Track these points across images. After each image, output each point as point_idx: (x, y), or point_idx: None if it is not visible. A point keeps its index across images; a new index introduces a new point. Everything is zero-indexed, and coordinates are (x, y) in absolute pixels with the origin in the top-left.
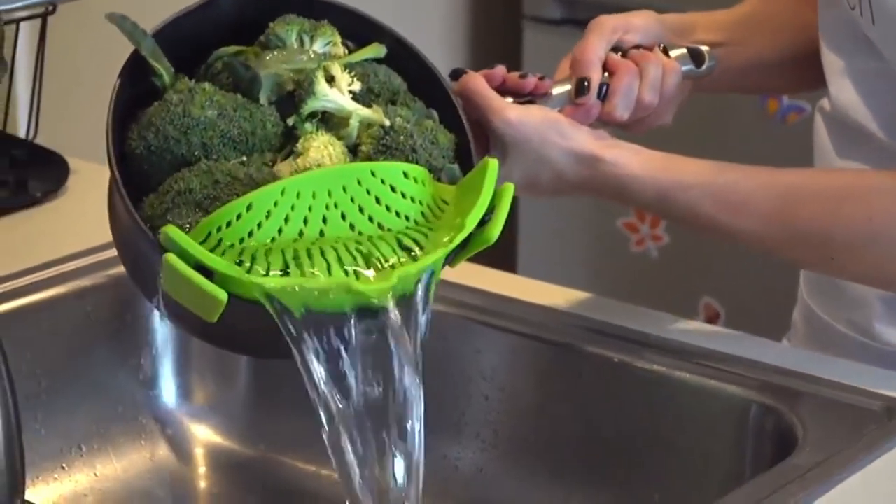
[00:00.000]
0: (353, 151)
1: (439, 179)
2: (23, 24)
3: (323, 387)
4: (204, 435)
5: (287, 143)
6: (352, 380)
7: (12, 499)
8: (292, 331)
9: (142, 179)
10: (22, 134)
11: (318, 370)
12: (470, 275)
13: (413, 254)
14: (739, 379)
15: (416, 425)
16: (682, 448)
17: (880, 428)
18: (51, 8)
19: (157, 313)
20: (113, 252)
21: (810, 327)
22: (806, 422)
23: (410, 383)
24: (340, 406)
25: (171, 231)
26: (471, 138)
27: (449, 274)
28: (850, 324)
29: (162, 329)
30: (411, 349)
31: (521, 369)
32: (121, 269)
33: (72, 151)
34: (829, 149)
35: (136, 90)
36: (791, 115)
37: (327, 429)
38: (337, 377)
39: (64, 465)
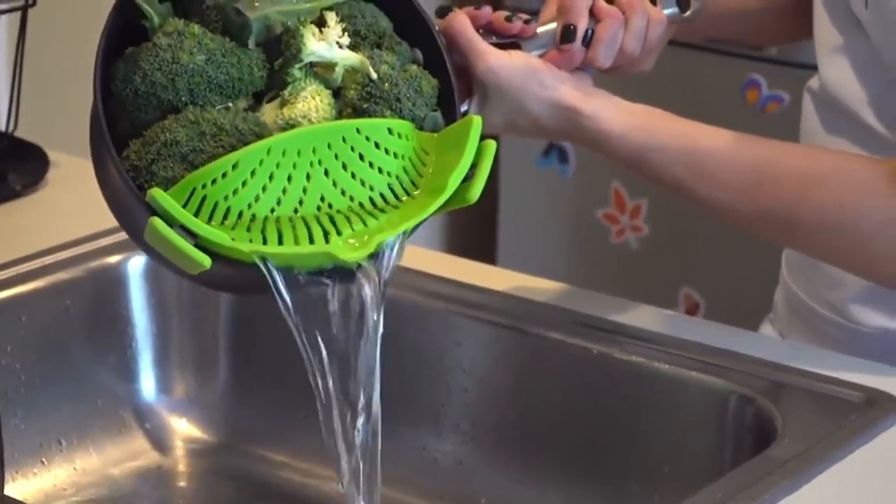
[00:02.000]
0: (336, 94)
1: (421, 128)
2: (2, 17)
3: (302, 330)
4: (183, 428)
5: (273, 84)
6: (331, 320)
7: None
8: (278, 284)
9: (125, 118)
10: (2, 127)
11: (295, 317)
12: (450, 266)
13: (392, 214)
14: (719, 370)
15: (374, 359)
16: (662, 439)
17: (860, 418)
18: (31, 1)
19: (136, 307)
20: (92, 246)
21: (790, 308)
22: (785, 413)
23: (374, 321)
24: (316, 350)
25: (158, 195)
26: (454, 81)
27: (429, 265)
28: (828, 304)
29: (141, 323)
30: (378, 292)
31: (501, 361)
32: (100, 262)
33: (52, 144)
34: (818, 128)
35: (125, 24)
36: (770, 104)
37: (311, 370)
38: (315, 320)
39: (44, 459)
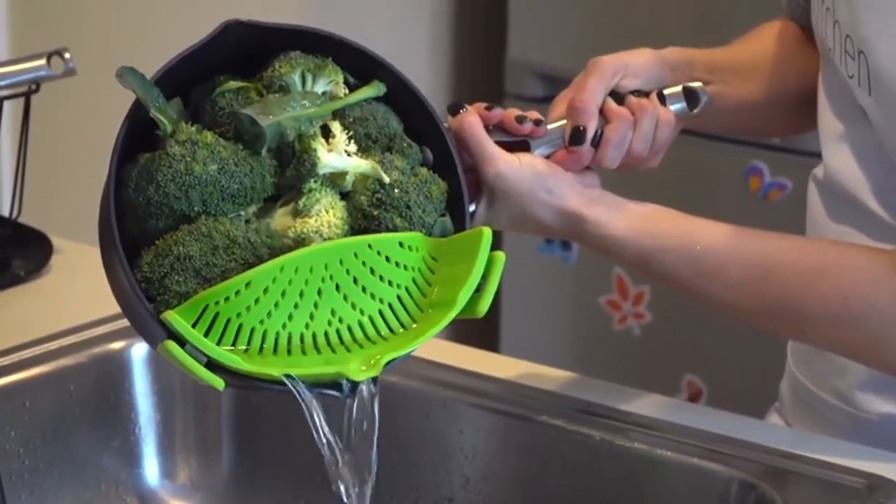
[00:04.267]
0: (345, 195)
1: (430, 233)
2: (6, 103)
3: (319, 427)
4: None
5: (283, 186)
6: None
7: None
8: (305, 397)
9: (134, 221)
10: (6, 213)
11: (317, 418)
12: (452, 354)
13: (400, 331)
14: (721, 457)
15: (373, 448)
16: None
17: None
18: (34, 87)
19: (139, 392)
20: (95, 332)
21: (796, 397)
22: (787, 499)
23: (371, 420)
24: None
25: (173, 318)
26: (464, 184)
27: (432, 353)
28: (834, 392)
29: (144, 408)
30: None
31: (503, 449)
32: (103, 348)
33: (55, 230)
34: (823, 217)
35: (138, 127)
36: (773, 192)
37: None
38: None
39: None
